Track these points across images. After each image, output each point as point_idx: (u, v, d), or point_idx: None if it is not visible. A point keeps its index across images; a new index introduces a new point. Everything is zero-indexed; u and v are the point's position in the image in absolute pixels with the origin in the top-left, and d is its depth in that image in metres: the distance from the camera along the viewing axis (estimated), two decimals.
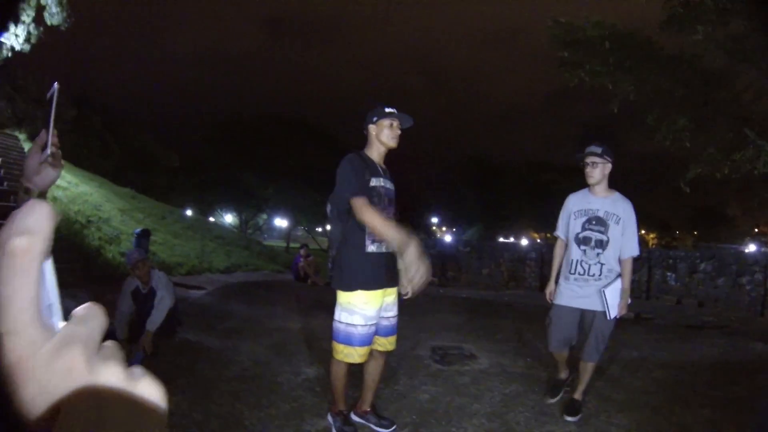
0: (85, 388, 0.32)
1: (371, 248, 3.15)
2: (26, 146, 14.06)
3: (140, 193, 21.52)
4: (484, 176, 45.49)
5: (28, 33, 13.38)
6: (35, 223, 0.35)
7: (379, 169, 3.28)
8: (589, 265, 3.67)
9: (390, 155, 3.38)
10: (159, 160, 37.11)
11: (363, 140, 3.37)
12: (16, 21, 12.38)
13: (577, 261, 3.71)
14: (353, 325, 3.14)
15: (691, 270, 14.10)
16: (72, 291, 8.27)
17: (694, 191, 10.72)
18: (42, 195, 1.34)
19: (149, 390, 0.35)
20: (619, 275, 3.68)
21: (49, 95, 1.29)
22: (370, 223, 2.95)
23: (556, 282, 3.92)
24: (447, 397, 4.12)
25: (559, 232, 3.94)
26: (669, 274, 14.49)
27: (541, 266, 16.14)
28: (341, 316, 3.17)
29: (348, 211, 3.10)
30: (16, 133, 16.23)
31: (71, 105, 24.84)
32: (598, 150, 3.66)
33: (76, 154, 25.58)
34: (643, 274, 14.37)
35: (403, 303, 3.51)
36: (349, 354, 3.18)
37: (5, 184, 9.85)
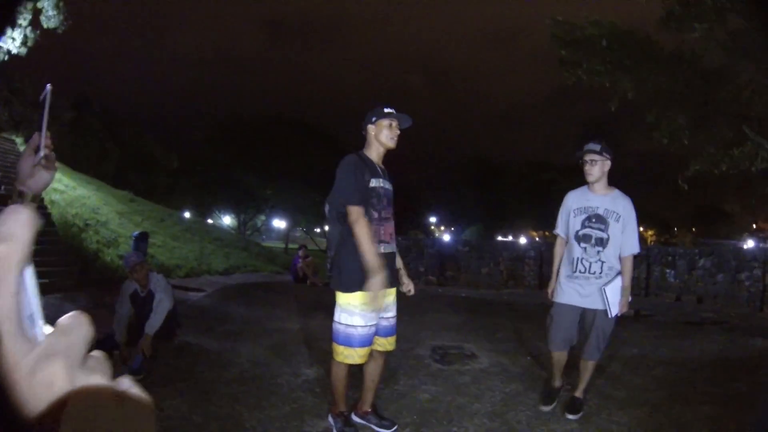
0: (67, 402, 0.31)
1: None
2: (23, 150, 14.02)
3: (140, 195, 21.52)
4: (483, 176, 45.52)
5: (25, 36, 13.36)
6: (13, 230, 0.33)
7: (378, 169, 3.28)
8: (590, 263, 3.64)
9: (389, 155, 3.38)
10: (159, 162, 37.12)
11: (362, 140, 3.37)
12: (13, 25, 12.36)
13: (578, 259, 3.68)
14: (353, 326, 3.13)
15: (690, 266, 14.12)
16: (70, 294, 8.26)
17: (693, 188, 10.75)
18: (36, 198, 1.33)
19: (136, 402, 0.34)
20: (619, 273, 3.66)
21: (42, 97, 1.27)
22: (358, 237, 3.01)
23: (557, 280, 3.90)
24: (447, 397, 4.11)
25: (559, 230, 3.91)
26: (668, 270, 14.51)
27: (540, 265, 16.15)
28: (341, 317, 3.16)
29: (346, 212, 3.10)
30: (14, 137, 16.22)
31: (69, 107, 24.79)
32: (597, 147, 3.64)
33: (75, 156, 25.55)
34: (642, 271, 14.39)
35: (402, 303, 3.50)
36: (349, 355, 3.17)
37: (2, 188, 9.83)
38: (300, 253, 13.02)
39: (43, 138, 1.26)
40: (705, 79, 9.19)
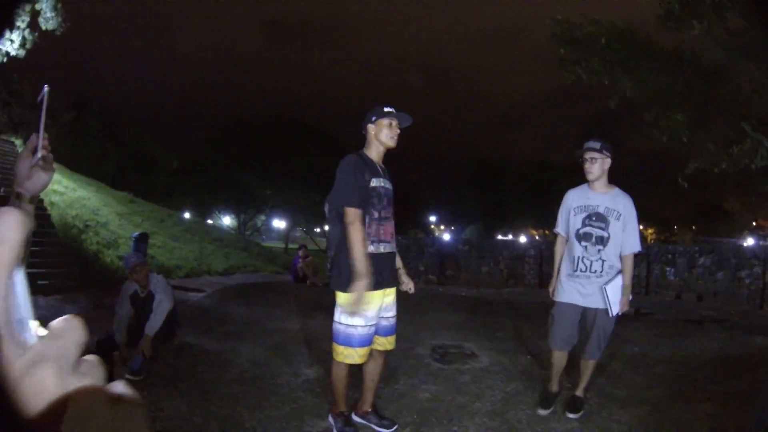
0: (66, 405, 0.30)
1: (370, 249, 3.15)
2: None
3: (140, 195, 21.51)
4: (483, 175, 45.48)
5: (23, 38, 13.33)
6: (1, 232, 0.33)
7: (379, 169, 3.28)
8: (591, 262, 3.62)
9: (389, 154, 3.38)
10: (158, 162, 37.11)
11: (363, 140, 3.37)
12: (11, 27, 12.35)
13: (578, 258, 3.66)
14: (353, 326, 3.13)
15: (690, 264, 14.12)
16: (70, 296, 8.26)
17: (693, 186, 10.75)
18: (34, 200, 1.32)
19: (130, 406, 0.34)
20: (620, 272, 3.64)
21: (39, 98, 1.27)
22: (350, 239, 3.02)
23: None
24: (448, 396, 4.11)
25: (560, 228, 3.89)
26: (668, 269, 14.52)
27: (540, 263, 16.15)
28: (341, 317, 3.16)
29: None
30: (13, 139, 16.20)
31: (68, 108, 24.79)
32: (597, 145, 3.61)
33: (74, 157, 25.53)
34: (642, 269, 14.40)
35: (402, 302, 3.50)
36: (349, 355, 3.17)
37: (2, 190, 9.82)
38: (300, 253, 13.01)
39: (41, 139, 1.26)
40: (704, 77, 9.19)
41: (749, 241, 34.15)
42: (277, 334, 6.17)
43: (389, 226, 3.27)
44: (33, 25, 13.33)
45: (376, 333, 3.26)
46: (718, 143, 9.66)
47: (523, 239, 29.91)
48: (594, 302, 3.62)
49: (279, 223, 44.67)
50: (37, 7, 12.86)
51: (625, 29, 9.29)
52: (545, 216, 34.86)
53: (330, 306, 3.26)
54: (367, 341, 3.19)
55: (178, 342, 5.31)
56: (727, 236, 40.64)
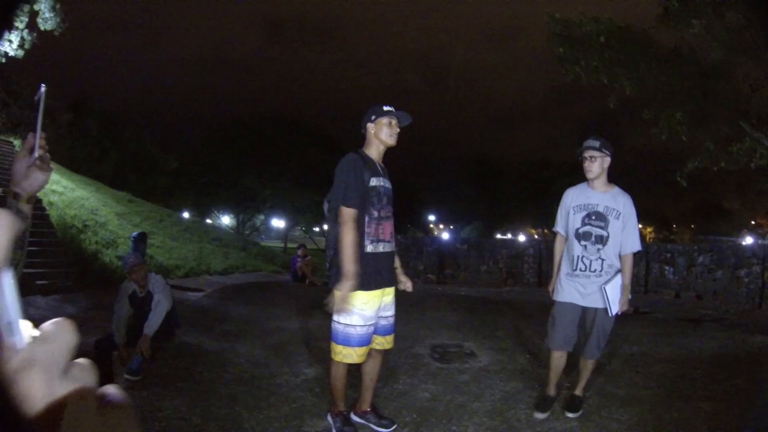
0: (48, 414, 0.30)
1: (369, 248, 3.15)
2: None
3: (140, 196, 21.51)
4: (482, 174, 45.43)
5: (22, 39, 13.33)
6: None
7: (379, 168, 3.28)
8: (590, 261, 3.60)
9: (388, 153, 3.37)
10: (158, 163, 37.09)
11: (362, 140, 3.37)
12: (10, 28, 12.33)
13: (578, 257, 3.64)
14: (352, 325, 3.13)
15: (689, 263, 14.12)
16: (69, 296, 8.25)
17: (692, 185, 10.74)
18: (31, 199, 1.32)
19: (119, 413, 0.33)
20: (619, 271, 3.62)
21: (36, 98, 1.27)
22: (342, 239, 3.05)
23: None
24: (447, 396, 4.11)
25: (559, 227, 3.86)
26: (667, 268, 14.52)
27: (539, 262, 16.15)
28: (340, 316, 3.16)
29: None
30: (11, 139, 16.18)
31: (66, 109, 24.75)
32: (596, 144, 3.59)
33: (73, 158, 25.51)
34: (642, 268, 14.40)
35: (401, 301, 3.49)
36: (347, 355, 3.17)
37: (0, 190, 9.80)
38: (299, 252, 13.01)
39: (38, 139, 1.25)
40: (703, 75, 9.19)
41: (748, 240, 34.18)
42: (276, 334, 6.17)
43: (389, 226, 3.26)
44: (32, 25, 13.32)
45: (375, 332, 3.26)
46: (717, 142, 9.67)
47: (522, 238, 29.92)
48: (594, 302, 3.61)
49: (278, 223, 44.65)
50: (36, 7, 12.86)
51: (624, 27, 9.29)
52: (544, 215, 34.89)
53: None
54: (366, 341, 3.19)
55: (177, 342, 5.31)
56: (726, 235, 40.66)
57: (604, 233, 3.59)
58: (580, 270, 3.62)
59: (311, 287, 11.35)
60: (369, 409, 3.52)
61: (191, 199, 38.00)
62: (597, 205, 3.64)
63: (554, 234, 3.97)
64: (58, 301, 7.88)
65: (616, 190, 3.68)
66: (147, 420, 3.49)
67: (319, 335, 5.70)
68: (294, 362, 4.98)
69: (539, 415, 3.69)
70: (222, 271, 14.88)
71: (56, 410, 0.30)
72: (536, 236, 42.46)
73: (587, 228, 3.64)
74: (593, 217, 3.63)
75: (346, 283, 3.03)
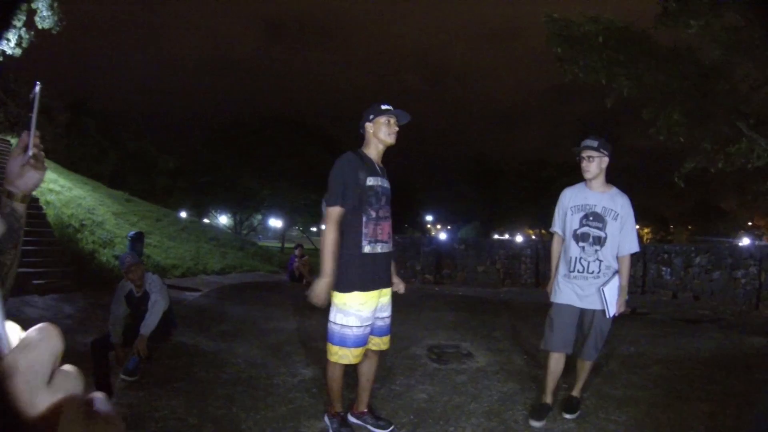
0: (29, 423, 0.29)
1: (367, 249, 3.13)
2: None
3: (138, 196, 21.47)
4: (480, 174, 45.47)
5: (20, 37, 13.28)
6: None
7: (377, 167, 3.26)
8: (588, 263, 3.58)
9: (386, 153, 3.36)
10: (156, 163, 37.09)
11: (361, 139, 3.36)
12: (9, 27, 12.27)
13: (576, 258, 3.62)
14: (348, 326, 3.12)
15: (686, 264, 14.13)
16: (66, 295, 8.23)
17: (690, 185, 10.76)
18: (26, 198, 1.30)
19: (105, 420, 0.32)
20: (617, 272, 3.60)
21: (31, 96, 1.25)
22: (323, 238, 3.14)
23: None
24: (444, 397, 4.10)
25: (557, 227, 3.82)
26: (664, 268, 14.52)
27: (536, 263, 16.15)
28: (336, 317, 3.15)
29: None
30: (9, 138, 16.14)
31: (65, 109, 24.69)
32: (594, 143, 3.56)
33: (71, 157, 25.47)
34: (639, 268, 14.40)
35: (398, 302, 3.48)
36: (343, 355, 3.16)
37: None
38: (296, 252, 12.99)
39: (32, 137, 1.24)
40: (702, 75, 9.19)
41: (745, 241, 34.25)
42: (273, 334, 6.16)
43: (387, 226, 3.25)
44: (29, 23, 13.27)
45: (372, 333, 3.25)
46: (715, 142, 9.68)
47: (519, 239, 29.91)
48: (591, 303, 3.59)
49: (275, 223, 44.63)
50: (33, 5, 12.81)
51: (623, 27, 9.29)
52: (541, 214, 34.87)
53: (326, 306, 3.24)
54: (362, 342, 3.18)
55: (174, 342, 5.30)
56: (724, 236, 40.74)
57: (602, 234, 3.57)
58: (578, 271, 3.60)
59: (308, 287, 11.33)
60: (366, 410, 3.51)
61: (190, 199, 37.99)
62: (595, 205, 3.61)
63: (552, 234, 3.95)
64: (55, 300, 7.85)
65: (614, 191, 3.66)
66: (144, 420, 3.47)
67: (316, 335, 5.69)
68: (291, 363, 4.96)
69: (536, 424, 3.61)
70: (219, 271, 14.85)
71: (49, 420, 0.29)
72: (534, 237, 42.49)
73: (585, 229, 3.61)
74: (591, 218, 3.60)
75: (322, 280, 3.09)
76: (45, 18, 13.09)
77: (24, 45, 13.45)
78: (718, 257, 13.75)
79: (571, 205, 3.70)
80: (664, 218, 54.70)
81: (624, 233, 3.59)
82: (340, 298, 3.14)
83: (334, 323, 3.16)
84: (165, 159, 38.23)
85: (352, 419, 3.51)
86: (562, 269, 3.71)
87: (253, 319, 7.10)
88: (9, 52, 13.43)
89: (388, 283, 3.31)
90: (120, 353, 4.48)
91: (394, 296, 3.42)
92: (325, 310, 3.26)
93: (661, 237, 54.14)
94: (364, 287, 3.12)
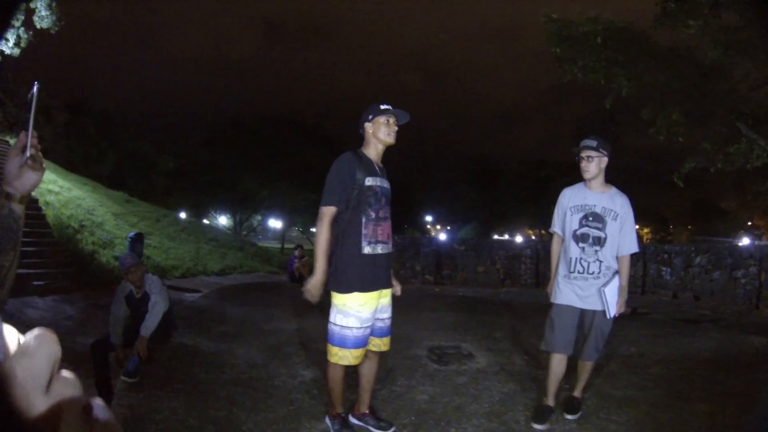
0: (28, 431, 0.28)
1: (367, 249, 3.13)
2: None
3: (138, 196, 21.49)
4: (479, 174, 45.50)
5: (18, 37, 13.28)
6: None
7: (377, 167, 3.25)
8: (588, 263, 3.56)
9: (385, 153, 3.35)
10: (156, 164, 37.10)
11: (361, 140, 3.35)
12: (8, 28, 12.27)
13: (576, 259, 3.60)
14: (348, 327, 3.11)
15: (686, 264, 14.14)
16: (66, 296, 8.22)
17: (690, 185, 10.76)
18: (24, 199, 1.30)
19: (104, 427, 0.31)
20: (617, 272, 3.60)
21: (29, 96, 1.25)
22: (316, 237, 3.18)
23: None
24: (445, 398, 4.09)
25: (556, 228, 3.81)
26: (664, 268, 14.53)
27: (536, 263, 16.15)
28: (336, 318, 3.14)
29: (342, 211, 3.10)
30: (7, 138, 16.13)
31: (64, 109, 24.68)
32: (593, 143, 3.55)
33: (70, 158, 25.46)
34: (639, 269, 14.41)
35: (398, 303, 3.48)
36: (343, 356, 3.15)
37: None
38: (296, 253, 12.98)
39: (30, 137, 1.23)
40: (701, 74, 9.19)
41: (745, 241, 34.26)
42: (273, 335, 6.15)
43: (387, 227, 3.24)
44: (28, 23, 13.26)
45: (372, 334, 3.24)
46: (714, 142, 9.67)
47: (519, 239, 29.92)
48: (592, 304, 3.58)
49: (275, 223, 44.67)
50: (32, 5, 12.80)
51: (622, 28, 9.29)
52: (541, 214, 34.86)
53: (326, 306, 3.24)
54: (362, 343, 3.17)
55: (174, 343, 5.29)
56: (723, 236, 40.76)
57: (602, 235, 3.56)
58: (578, 272, 3.59)
59: None
60: (367, 411, 3.50)
61: (190, 200, 38.00)
62: (594, 206, 3.60)
63: (551, 235, 3.93)
64: (55, 301, 7.85)
65: (613, 191, 3.65)
66: (144, 421, 3.47)
67: (317, 336, 5.68)
68: (292, 364, 4.96)
69: (538, 427, 3.58)
70: (219, 272, 14.85)
71: (49, 427, 0.28)
72: (534, 237, 42.49)
73: (585, 230, 3.60)
74: (591, 219, 3.59)
75: (314, 278, 3.12)
76: (44, 18, 13.09)
77: (23, 45, 13.45)
78: (718, 257, 13.77)
79: (570, 205, 3.69)
80: (664, 218, 54.66)
81: (623, 233, 3.58)
82: (339, 299, 3.13)
83: (334, 324, 3.15)
84: (164, 159, 38.27)
85: (353, 420, 3.50)
86: (562, 270, 3.69)
87: (253, 320, 7.09)
88: (8, 52, 13.43)
89: (388, 284, 3.30)
90: (120, 354, 4.48)
91: (394, 297, 3.42)
92: (325, 310, 3.25)
93: (661, 237, 54.13)
94: (364, 288, 3.12)
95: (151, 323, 4.44)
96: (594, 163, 3.56)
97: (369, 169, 3.18)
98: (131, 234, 11.36)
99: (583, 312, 3.63)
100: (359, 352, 3.18)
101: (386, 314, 3.32)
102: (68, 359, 0.33)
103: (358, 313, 3.10)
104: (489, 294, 12.61)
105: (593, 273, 3.55)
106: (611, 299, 3.51)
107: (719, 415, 3.73)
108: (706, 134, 9.76)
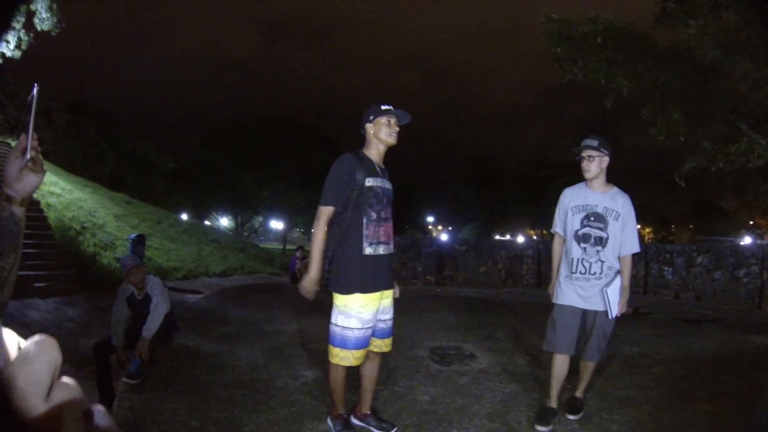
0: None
1: (368, 250, 3.12)
2: None
3: (138, 197, 21.51)
4: (481, 174, 45.50)
5: (19, 39, 13.28)
6: None
7: (377, 168, 3.25)
8: (590, 264, 3.55)
9: (386, 153, 3.35)
10: (155, 164, 37.13)
11: (362, 140, 3.35)
12: (8, 29, 12.27)
13: (578, 260, 3.59)
14: (349, 328, 3.11)
15: (688, 264, 14.12)
16: (68, 298, 8.23)
17: (691, 185, 10.74)
18: (24, 202, 1.30)
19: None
20: (618, 272, 3.58)
21: (30, 98, 1.24)
22: (312, 236, 3.21)
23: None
24: (447, 398, 4.09)
25: (558, 228, 3.79)
26: (666, 268, 14.52)
27: (538, 263, 16.14)
28: (338, 319, 3.14)
29: (343, 212, 3.10)
30: (9, 141, 16.15)
31: (64, 110, 24.71)
32: (594, 143, 3.53)
33: (70, 159, 25.48)
34: (641, 268, 14.40)
35: (400, 303, 3.48)
36: (345, 357, 3.15)
37: None
38: (297, 254, 12.99)
39: (30, 140, 1.23)
40: (701, 74, 9.18)
41: (746, 240, 34.22)
42: (275, 336, 6.15)
43: (388, 228, 3.24)
44: (28, 25, 13.27)
45: (373, 335, 3.24)
46: (715, 142, 9.65)
47: (521, 239, 29.90)
48: (594, 304, 3.56)
49: (276, 224, 44.65)
50: (32, 7, 12.80)
51: (622, 28, 9.28)
52: (543, 215, 34.87)
53: (327, 307, 3.24)
54: (363, 344, 3.17)
55: (176, 345, 5.29)
56: (725, 235, 40.68)
57: (604, 235, 3.55)
58: (580, 273, 3.57)
59: None
60: (369, 412, 3.50)
61: (190, 200, 38.02)
62: (596, 206, 3.58)
63: (553, 235, 3.93)
64: (57, 303, 7.86)
65: (614, 191, 3.64)
66: (145, 423, 3.47)
67: (318, 337, 5.68)
68: (293, 365, 4.96)
69: (542, 429, 3.55)
70: (220, 273, 14.86)
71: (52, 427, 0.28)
72: (535, 237, 42.46)
73: (586, 230, 3.59)
74: (592, 219, 3.58)
75: (309, 277, 3.15)
76: (44, 20, 13.08)
77: (23, 47, 13.46)
78: (720, 257, 13.75)
79: (571, 205, 3.67)
80: (665, 218, 54.56)
81: (625, 233, 3.57)
82: (341, 300, 3.13)
83: (336, 325, 3.15)
84: (164, 159, 38.31)
85: (355, 421, 3.50)
86: (564, 270, 3.68)
87: (254, 321, 7.09)
88: (8, 54, 13.43)
89: (389, 285, 3.29)
90: (122, 356, 4.48)
91: (395, 298, 3.41)
92: (326, 311, 3.25)
93: (663, 237, 54.02)
94: (365, 289, 3.11)
95: (152, 325, 4.43)
96: (595, 163, 3.55)
97: (369, 169, 3.18)
98: (132, 236, 11.37)
99: (585, 312, 3.62)
100: (360, 353, 3.18)
101: (388, 315, 3.32)
102: (70, 361, 0.33)
103: (360, 314, 3.10)
104: (491, 294, 12.61)
105: (595, 273, 3.54)
106: (613, 299, 3.50)
107: (721, 415, 3.72)
108: (706, 134, 9.75)
